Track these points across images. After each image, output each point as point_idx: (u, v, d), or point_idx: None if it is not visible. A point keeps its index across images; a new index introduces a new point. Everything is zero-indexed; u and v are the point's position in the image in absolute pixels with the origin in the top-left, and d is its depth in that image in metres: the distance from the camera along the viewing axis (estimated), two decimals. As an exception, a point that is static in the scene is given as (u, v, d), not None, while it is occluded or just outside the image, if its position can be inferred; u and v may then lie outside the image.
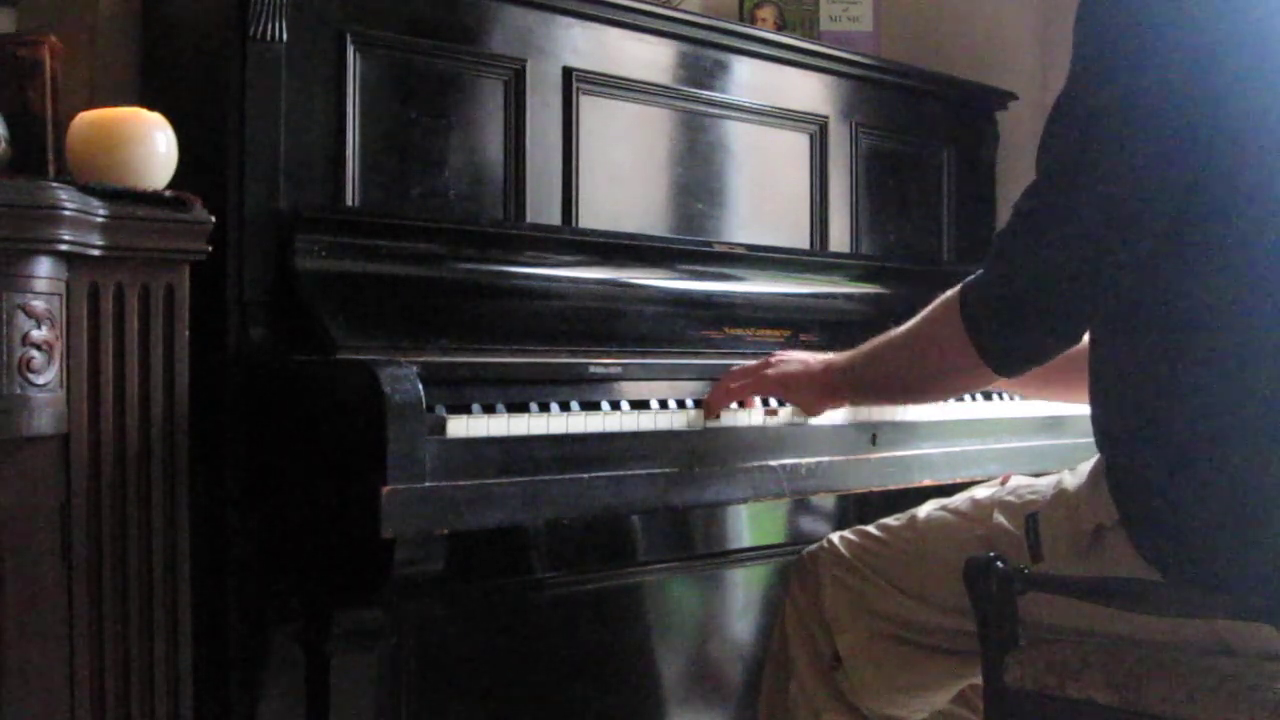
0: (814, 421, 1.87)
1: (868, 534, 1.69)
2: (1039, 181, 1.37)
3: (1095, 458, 1.47)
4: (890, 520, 1.69)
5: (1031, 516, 1.50)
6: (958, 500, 1.65)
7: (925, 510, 1.67)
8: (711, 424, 1.76)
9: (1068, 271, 1.33)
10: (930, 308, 1.48)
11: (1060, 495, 1.50)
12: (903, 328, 1.53)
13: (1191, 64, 1.27)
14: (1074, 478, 1.50)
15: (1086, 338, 1.43)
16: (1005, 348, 1.40)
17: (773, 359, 1.74)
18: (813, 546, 1.74)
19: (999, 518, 1.54)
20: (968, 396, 2.11)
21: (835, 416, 1.91)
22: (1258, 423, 1.30)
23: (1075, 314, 1.37)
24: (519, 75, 2.05)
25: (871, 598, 1.63)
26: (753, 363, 1.76)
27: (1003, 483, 1.65)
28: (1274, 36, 1.30)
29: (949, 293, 1.45)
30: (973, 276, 1.43)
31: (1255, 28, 1.29)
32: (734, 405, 1.77)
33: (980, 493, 1.63)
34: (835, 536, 1.72)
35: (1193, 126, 1.27)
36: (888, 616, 1.61)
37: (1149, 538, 1.37)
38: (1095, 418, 1.44)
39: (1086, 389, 1.46)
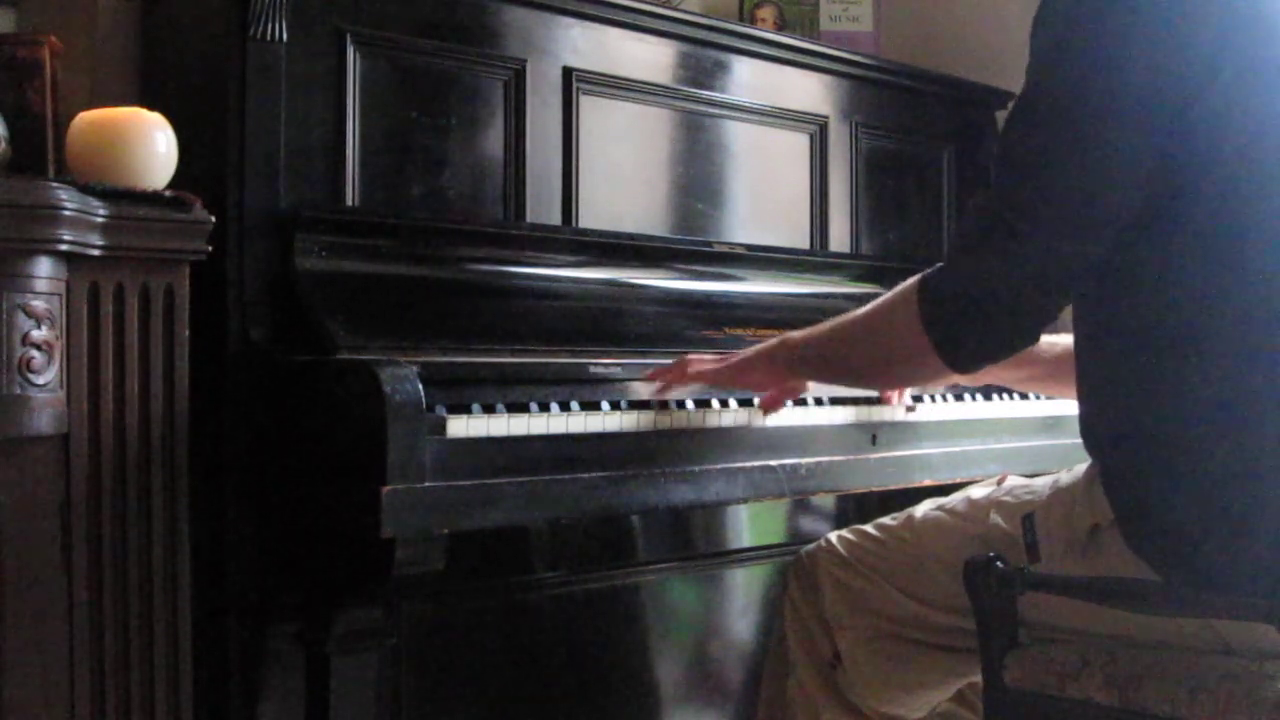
0: (814, 421, 1.87)
1: (865, 533, 1.69)
2: (1001, 181, 1.36)
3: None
4: (887, 520, 1.69)
5: (1028, 517, 1.50)
6: (954, 500, 1.65)
7: (922, 510, 1.67)
8: (710, 424, 1.76)
9: (1033, 272, 1.33)
10: (887, 298, 1.47)
11: (1056, 495, 1.49)
12: (860, 313, 1.51)
13: (1153, 57, 1.28)
14: (1070, 477, 1.50)
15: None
16: (962, 346, 1.39)
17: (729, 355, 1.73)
18: (810, 546, 1.74)
19: (995, 518, 1.54)
20: (968, 396, 2.11)
21: (835, 416, 1.91)
22: (1244, 418, 1.31)
23: (1037, 315, 1.37)
24: (519, 75, 2.05)
25: (870, 596, 1.63)
26: (710, 355, 1.75)
27: (999, 483, 1.65)
28: (1240, 25, 1.30)
29: (906, 284, 1.44)
30: (931, 271, 1.42)
31: (1221, 17, 1.29)
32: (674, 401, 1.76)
33: (976, 493, 1.63)
34: (833, 536, 1.72)
35: (1156, 120, 1.28)
36: (886, 615, 1.61)
37: (1143, 536, 1.37)
38: (1082, 419, 1.44)
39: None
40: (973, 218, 1.39)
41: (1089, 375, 1.43)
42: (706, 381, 1.74)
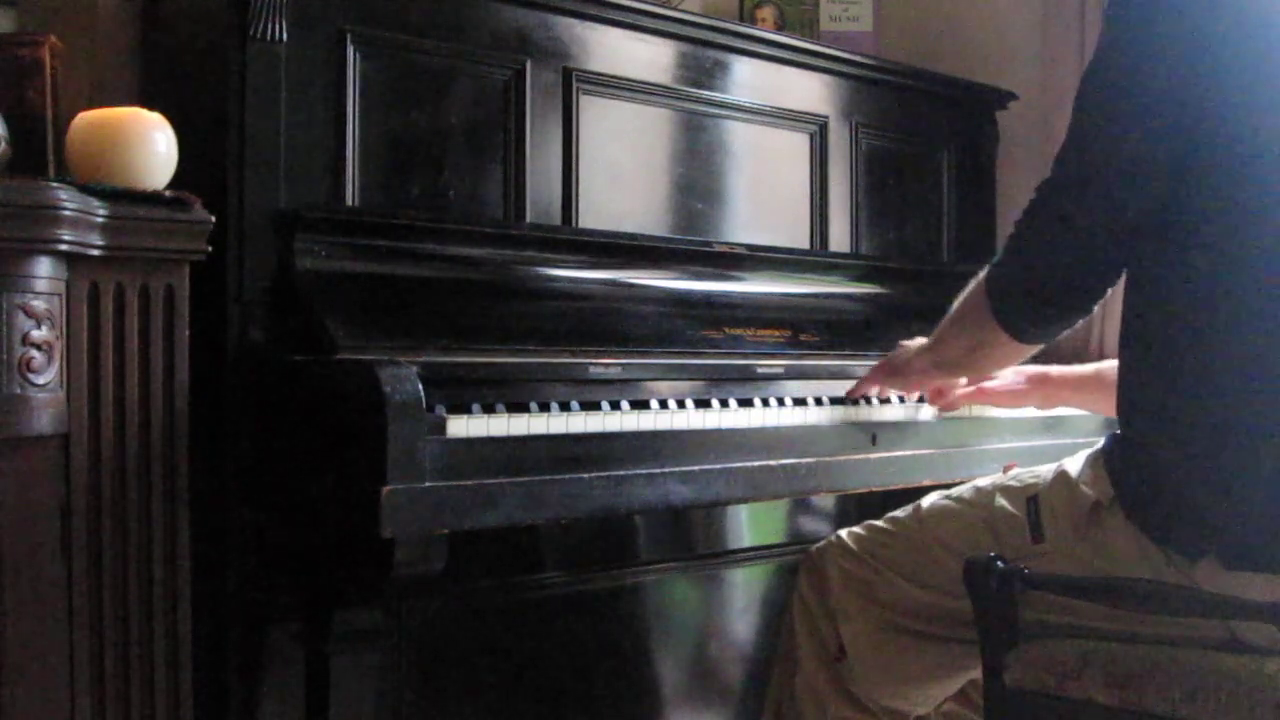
0: (813, 421, 1.87)
1: (873, 526, 1.72)
2: (1052, 168, 1.48)
3: (1093, 446, 1.54)
4: (896, 513, 1.72)
5: (1032, 499, 1.55)
6: (961, 489, 1.68)
7: (928, 500, 1.70)
8: (712, 425, 1.76)
9: (1065, 258, 1.46)
10: (966, 291, 1.61)
11: (1060, 477, 1.55)
12: (952, 308, 1.66)
13: (1183, 55, 1.35)
14: (1073, 461, 1.56)
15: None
16: (1025, 321, 1.52)
17: (890, 354, 1.91)
18: (820, 543, 1.76)
19: (1001, 501, 1.58)
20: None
21: (835, 416, 1.92)
22: (1238, 394, 1.37)
23: (1086, 290, 1.48)
24: (519, 75, 2.05)
25: (876, 587, 1.64)
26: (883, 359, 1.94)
27: (1005, 471, 1.68)
28: (1249, 29, 1.36)
29: (981, 274, 1.57)
30: (995, 260, 1.55)
31: (1253, 21, 1.35)
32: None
33: (983, 481, 1.67)
34: (843, 532, 1.74)
35: (1180, 114, 1.35)
36: (892, 605, 1.63)
37: (1142, 508, 1.43)
38: (1118, 389, 1.52)
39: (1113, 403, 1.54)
40: (1027, 206, 1.50)
41: (1122, 347, 1.51)
42: (876, 384, 1.94)
